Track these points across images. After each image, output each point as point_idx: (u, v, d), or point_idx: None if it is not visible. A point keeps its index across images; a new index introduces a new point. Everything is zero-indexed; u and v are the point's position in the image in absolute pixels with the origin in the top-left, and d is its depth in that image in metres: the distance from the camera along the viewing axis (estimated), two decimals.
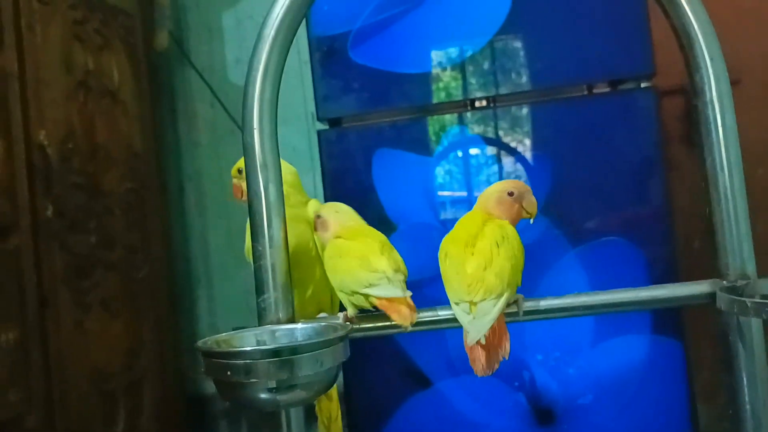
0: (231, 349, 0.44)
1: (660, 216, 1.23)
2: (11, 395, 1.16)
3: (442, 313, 0.58)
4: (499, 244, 0.57)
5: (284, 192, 0.53)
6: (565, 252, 1.22)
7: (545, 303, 0.56)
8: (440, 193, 1.27)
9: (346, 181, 1.29)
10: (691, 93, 0.53)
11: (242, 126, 0.51)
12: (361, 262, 0.56)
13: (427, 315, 0.58)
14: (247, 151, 0.51)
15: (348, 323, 0.54)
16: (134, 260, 1.61)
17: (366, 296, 0.55)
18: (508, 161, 1.27)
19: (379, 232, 0.62)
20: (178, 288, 1.90)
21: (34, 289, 1.23)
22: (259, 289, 0.51)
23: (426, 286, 1.24)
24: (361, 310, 0.59)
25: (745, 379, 0.51)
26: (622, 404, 1.21)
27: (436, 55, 1.27)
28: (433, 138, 1.28)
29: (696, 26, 0.53)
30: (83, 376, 1.35)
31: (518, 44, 1.27)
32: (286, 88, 1.56)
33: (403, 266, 0.59)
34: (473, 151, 1.27)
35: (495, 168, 1.26)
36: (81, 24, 1.45)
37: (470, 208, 1.28)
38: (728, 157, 0.51)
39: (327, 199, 1.30)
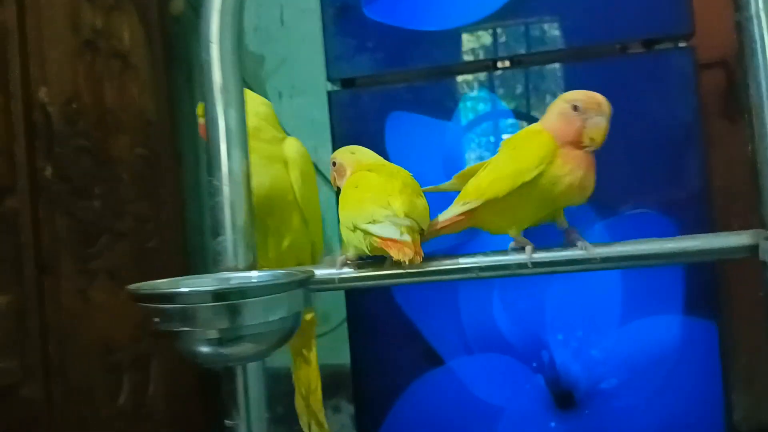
0: (163, 291, 0.37)
1: (697, 191, 1.13)
2: (4, 362, 1.12)
3: (448, 263, 0.49)
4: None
5: (255, 124, 0.46)
6: (593, 224, 1.13)
7: (557, 254, 0.47)
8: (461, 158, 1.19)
9: (358, 145, 1.22)
10: (733, 7, 0.44)
11: (199, 39, 0.44)
12: (373, 196, 0.49)
13: (432, 265, 0.49)
14: (204, 71, 0.43)
15: (311, 270, 0.47)
16: (144, 229, 1.56)
17: (365, 234, 0.48)
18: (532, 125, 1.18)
19: (407, 172, 0.56)
20: (191, 260, 1.85)
21: (32, 253, 1.18)
22: (215, 229, 0.43)
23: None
24: (361, 258, 0.52)
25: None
26: (649, 390, 1.11)
27: (455, 12, 1.19)
28: (452, 101, 1.19)
29: None
30: (85, 346, 1.30)
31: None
32: (304, 54, 1.48)
33: (417, 213, 0.51)
34: (495, 114, 1.18)
35: (517, 132, 1.17)
36: None
37: None
38: None
39: None
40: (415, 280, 0.46)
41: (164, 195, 1.62)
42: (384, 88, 1.22)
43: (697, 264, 1.00)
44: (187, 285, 0.40)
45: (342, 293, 1.26)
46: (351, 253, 0.49)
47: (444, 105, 1.19)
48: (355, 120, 1.23)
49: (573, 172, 0.49)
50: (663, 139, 1.15)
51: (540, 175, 0.49)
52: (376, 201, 0.50)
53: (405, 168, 1.19)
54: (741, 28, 0.44)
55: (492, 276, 0.46)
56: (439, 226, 0.56)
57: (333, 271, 0.45)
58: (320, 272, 0.43)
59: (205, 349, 0.37)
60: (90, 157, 1.34)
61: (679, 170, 1.13)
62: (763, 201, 0.43)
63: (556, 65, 1.17)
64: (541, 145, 0.49)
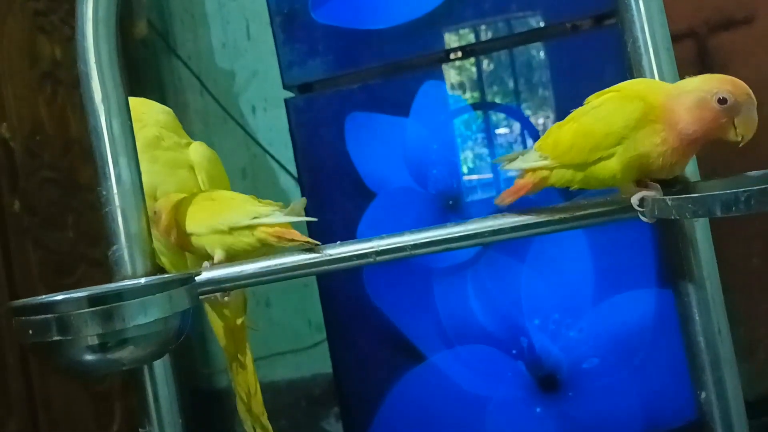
0: (38, 301, 0.37)
1: None
2: None
3: (344, 250, 0.48)
4: None
5: (155, 133, 0.46)
6: (557, 202, 1.12)
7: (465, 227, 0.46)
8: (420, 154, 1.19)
9: (319, 150, 1.22)
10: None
11: (75, 48, 0.44)
12: (242, 200, 0.49)
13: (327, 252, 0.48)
14: (82, 81, 0.43)
15: (197, 271, 0.46)
16: None
17: (252, 229, 0.48)
18: (491, 113, 1.17)
19: None
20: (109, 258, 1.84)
21: (5, 287, 1.19)
22: (109, 240, 0.43)
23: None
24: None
25: (695, 310, 0.42)
26: (631, 366, 1.10)
27: (403, 7, 1.18)
28: (408, 96, 1.19)
29: None
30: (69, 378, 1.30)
31: None
32: (274, 65, 1.48)
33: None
34: (451, 105, 1.18)
35: (477, 121, 1.17)
36: (44, 15, 1.41)
37: (453, 167, 1.19)
38: (653, 35, 0.41)
39: (300, 172, 1.23)
40: (313, 271, 0.46)
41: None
42: (340, 90, 1.22)
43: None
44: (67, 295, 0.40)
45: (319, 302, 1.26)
46: (219, 256, 0.49)
47: (400, 101, 1.19)
48: (315, 125, 1.23)
49: (663, 156, 0.43)
50: None
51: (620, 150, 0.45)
52: (250, 202, 0.50)
53: (370, 168, 1.20)
54: (625, 29, 0.43)
55: (389, 259, 0.45)
56: (520, 189, 0.54)
57: (226, 269, 0.45)
58: (210, 272, 0.43)
59: (88, 357, 0.37)
60: (57, 187, 1.34)
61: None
62: None
63: (509, 51, 1.17)
64: (627, 125, 0.45)
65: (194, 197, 0.53)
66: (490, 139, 1.17)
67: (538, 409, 1.14)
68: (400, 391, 1.18)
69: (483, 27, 1.18)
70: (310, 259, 0.44)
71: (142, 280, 0.42)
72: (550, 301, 1.13)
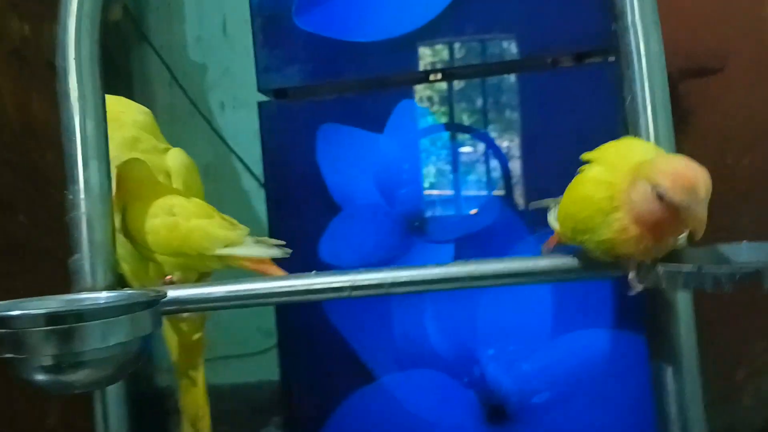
0: None
1: None
2: None
3: (319, 281, 0.47)
4: None
5: (133, 134, 0.44)
6: (522, 238, 1.13)
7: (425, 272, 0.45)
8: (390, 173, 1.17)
9: (288, 158, 1.20)
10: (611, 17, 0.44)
11: (55, 45, 0.41)
12: (208, 221, 0.46)
13: (302, 282, 0.46)
14: (59, 76, 0.41)
15: (162, 290, 0.44)
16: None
17: (221, 259, 0.46)
18: (464, 138, 1.17)
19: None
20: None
21: None
22: (71, 247, 0.41)
23: None
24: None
25: (670, 370, 0.42)
26: (580, 403, 1.11)
27: (388, 24, 1.17)
28: (384, 113, 1.18)
29: None
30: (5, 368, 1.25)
31: (478, 12, 1.17)
32: (247, 65, 1.46)
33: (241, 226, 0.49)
34: (427, 126, 1.17)
35: (449, 145, 1.17)
36: None
37: (422, 189, 1.18)
38: (653, 93, 0.41)
39: (267, 179, 1.21)
40: (285, 300, 0.44)
41: None
42: (316, 99, 1.20)
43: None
44: (23, 308, 0.37)
45: (272, 309, 1.23)
46: (177, 276, 0.47)
47: (375, 117, 1.18)
48: (286, 132, 1.20)
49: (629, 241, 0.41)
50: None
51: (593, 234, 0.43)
52: (214, 225, 0.47)
53: (338, 181, 1.18)
54: (619, 38, 0.43)
55: (365, 295, 0.44)
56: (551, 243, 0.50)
57: (193, 290, 0.42)
58: (177, 292, 0.41)
59: (41, 377, 0.34)
60: (13, 171, 1.29)
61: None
62: None
63: (488, 78, 1.17)
64: (598, 210, 0.43)
65: (154, 202, 0.50)
66: (461, 164, 1.17)
67: None
68: (347, 409, 1.16)
69: (465, 52, 1.17)
70: (283, 287, 0.43)
71: (103, 295, 0.39)
72: (507, 332, 1.13)
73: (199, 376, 0.58)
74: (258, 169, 1.78)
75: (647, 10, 0.41)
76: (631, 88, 0.42)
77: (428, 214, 1.16)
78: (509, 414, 1.12)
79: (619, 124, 1.12)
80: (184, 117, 1.82)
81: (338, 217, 1.16)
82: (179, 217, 0.48)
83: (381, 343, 1.16)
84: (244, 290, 0.42)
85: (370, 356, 1.16)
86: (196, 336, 0.58)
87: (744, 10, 1.75)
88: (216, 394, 1.74)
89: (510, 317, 1.13)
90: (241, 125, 1.82)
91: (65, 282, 1.42)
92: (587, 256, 0.43)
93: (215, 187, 1.69)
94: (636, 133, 0.41)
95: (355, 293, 0.41)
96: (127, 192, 0.50)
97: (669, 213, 0.40)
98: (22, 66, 1.36)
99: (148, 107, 1.93)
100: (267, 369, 1.75)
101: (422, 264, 1.15)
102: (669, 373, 0.39)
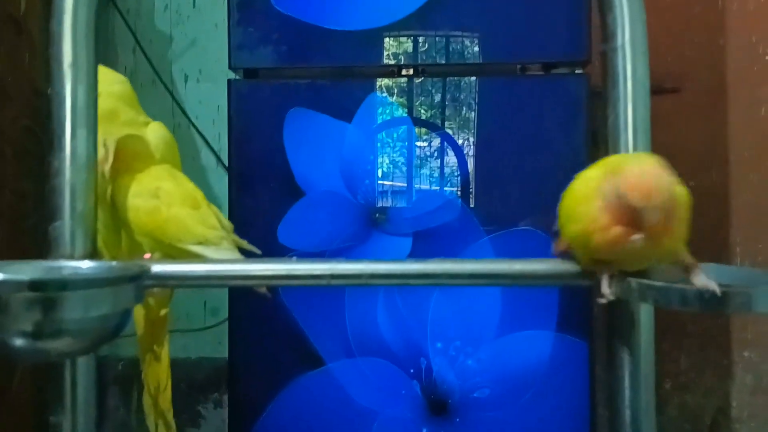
0: None
1: None
2: None
3: (300, 268, 0.47)
4: None
5: (110, 106, 0.43)
6: (478, 238, 1.15)
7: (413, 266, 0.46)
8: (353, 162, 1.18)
9: (254, 138, 1.19)
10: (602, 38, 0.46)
11: (51, 11, 0.41)
12: (188, 211, 0.46)
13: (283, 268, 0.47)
14: (53, 43, 0.41)
15: (146, 265, 0.44)
16: (24, 208, 1.47)
17: (190, 253, 0.46)
18: (430, 135, 1.19)
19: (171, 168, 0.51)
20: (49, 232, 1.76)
21: None
22: (53, 214, 0.41)
23: (330, 258, 1.16)
24: None
25: (627, 381, 0.44)
26: (519, 402, 1.14)
27: (365, 14, 1.18)
28: (354, 103, 1.18)
29: None
30: None
31: (453, 13, 1.18)
32: (214, 39, 1.44)
33: (225, 221, 0.49)
34: (395, 120, 1.19)
35: (415, 141, 1.18)
36: None
37: (383, 179, 1.19)
38: (635, 115, 0.43)
39: (231, 157, 1.21)
40: (266, 282, 0.45)
41: (48, 173, 1.54)
42: (286, 82, 1.20)
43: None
44: (7, 271, 0.37)
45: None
46: (157, 256, 0.47)
47: (346, 106, 1.18)
48: (255, 112, 1.20)
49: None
50: (552, 160, 1.18)
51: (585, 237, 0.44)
52: (195, 218, 0.47)
53: (302, 166, 1.19)
54: (607, 58, 0.45)
55: (343, 284, 0.45)
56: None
57: (176, 266, 0.43)
58: (158, 268, 0.41)
59: (18, 342, 0.34)
60: None
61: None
62: None
63: (459, 78, 1.19)
64: (578, 199, 0.45)
65: (143, 179, 0.50)
66: (425, 160, 1.19)
67: (424, 430, 1.16)
68: (292, 392, 1.17)
69: (438, 50, 1.19)
70: (264, 270, 0.43)
71: (84, 264, 0.39)
72: (456, 328, 1.15)
73: (163, 350, 0.59)
74: (217, 144, 1.77)
75: (637, 35, 0.43)
76: (614, 108, 0.44)
77: (389, 206, 1.17)
78: (450, 407, 1.15)
79: (584, 135, 1.16)
80: (146, 85, 1.78)
81: (300, 202, 1.17)
82: (161, 202, 0.48)
83: (332, 328, 1.17)
84: (226, 270, 0.42)
85: (319, 341, 1.17)
86: (163, 311, 0.58)
87: (703, 36, 1.82)
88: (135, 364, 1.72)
89: (459, 314, 1.15)
90: (204, 99, 1.80)
91: (15, 242, 1.38)
92: (558, 263, 0.45)
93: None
94: (615, 150, 0.43)
95: (333, 282, 0.42)
96: (122, 164, 0.49)
97: (627, 211, 0.42)
98: None
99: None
100: (209, 346, 1.75)
101: (380, 256, 1.16)
102: (626, 380, 0.42)
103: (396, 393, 1.16)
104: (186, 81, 1.81)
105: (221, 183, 1.64)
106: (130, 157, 0.51)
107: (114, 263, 0.40)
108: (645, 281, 0.37)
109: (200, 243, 0.47)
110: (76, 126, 0.41)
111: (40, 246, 1.44)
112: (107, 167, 0.48)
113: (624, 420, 0.42)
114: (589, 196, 0.44)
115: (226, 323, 1.64)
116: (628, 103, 0.43)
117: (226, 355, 1.28)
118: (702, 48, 1.82)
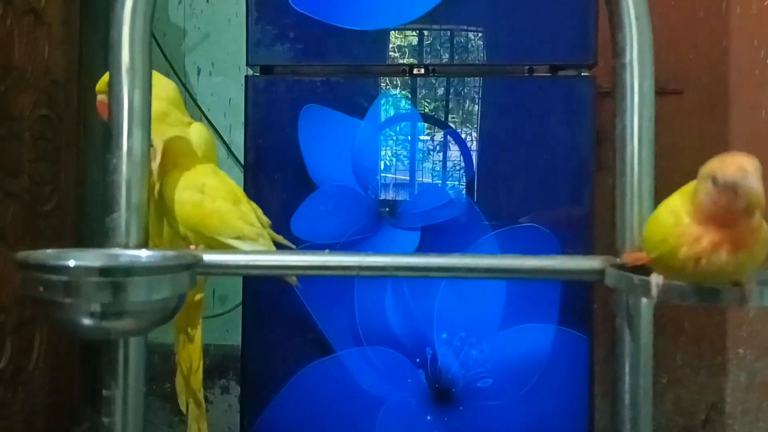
0: (50, 263, 0.38)
1: (582, 211, 1.21)
2: None
3: (332, 260, 0.51)
4: None
5: (163, 109, 0.47)
6: (484, 234, 1.19)
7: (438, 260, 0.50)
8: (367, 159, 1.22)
9: (270, 133, 1.23)
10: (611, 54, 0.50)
11: (111, 19, 0.45)
12: (230, 207, 0.51)
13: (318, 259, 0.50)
14: (113, 50, 0.45)
15: (199, 254, 0.48)
16: (41, 192, 1.51)
17: (229, 246, 0.50)
18: (439, 133, 1.23)
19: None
20: (87, 227, 1.80)
21: None
22: (110, 206, 0.45)
23: (341, 250, 1.20)
24: None
25: (627, 365, 0.48)
26: (520, 392, 1.19)
27: (378, 15, 1.22)
28: (367, 100, 1.22)
29: None
30: None
31: (464, 15, 1.22)
32: (227, 33, 1.48)
33: (263, 217, 0.54)
34: (406, 117, 1.23)
35: (426, 138, 1.22)
36: None
37: (396, 177, 1.23)
38: (640, 126, 0.47)
39: (247, 150, 1.24)
40: (307, 273, 0.49)
41: (66, 159, 1.58)
42: (302, 79, 1.24)
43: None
44: (75, 258, 0.41)
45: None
46: (201, 248, 0.51)
47: (358, 103, 1.22)
48: (270, 107, 1.24)
49: (696, 250, 0.42)
50: (559, 159, 1.22)
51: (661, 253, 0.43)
52: (235, 213, 0.51)
53: (316, 160, 1.23)
54: (616, 73, 0.49)
55: (371, 275, 0.49)
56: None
57: (224, 256, 0.47)
58: (209, 257, 0.45)
59: (86, 321, 0.38)
60: None
61: (568, 190, 1.21)
62: (618, 230, 0.48)
63: (469, 78, 1.23)
64: (661, 225, 0.44)
65: (189, 175, 0.54)
66: (436, 157, 1.23)
67: (429, 417, 1.20)
68: (302, 379, 1.22)
69: (449, 51, 1.23)
70: (302, 261, 0.47)
71: (143, 253, 0.44)
72: (461, 319, 1.20)
73: (197, 333, 0.63)
74: (228, 136, 1.80)
75: (645, 53, 0.47)
76: (622, 119, 0.48)
77: (398, 201, 1.21)
78: (454, 396, 1.20)
79: (589, 135, 1.20)
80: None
81: (313, 195, 1.21)
82: (206, 196, 0.52)
83: (341, 318, 1.21)
84: (268, 260, 0.46)
85: (330, 330, 1.21)
86: (198, 296, 0.62)
87: (706, 39, 1.85)
88: (163, 353, 1.77)
89: (465, 306, 1.19)
90: (216, 92, 1.83)
91: (29, 224, 1.41)
92: (566, 259, 0.49)
93: None
94: (621, 158, 0.47)
95: (362, 273, 0.46)
96: (170, 162, 0.54)
97: (726, 195, 0.42)
98: (6, 10, 1.35)
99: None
100: (218, 333, 1.79)
101: (388, 252, 1.20)
102: (626, 369, 0.46)
103: (402, 381, 1.20)
104: (198, 74, 1.85)
105: (231, 174, 1.67)
106: (178, 155, 0.55)
107: (168, 252, 0.44)
108: (646, 277, 0.41)
109: (238, 237, 0.51)
110: (132, 127, 0.45)
111: (58, 230, 1.48)
112: (155, 164, 0.52)
113: (624, 404, 0.46)
114: (677, 213, 0.44)
115: (234, 311, 1.69)
116: (635, 114, 0.47)
117: (233, 342, 1.32)
118: (705, 51, 1.86)
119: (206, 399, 1.83)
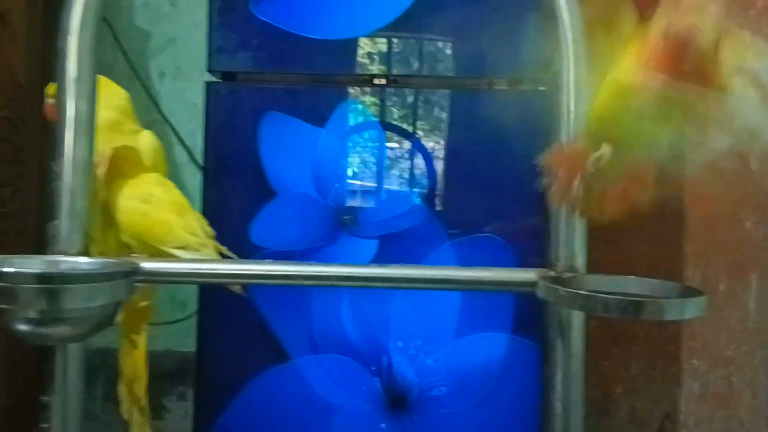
0: None
1: (538, 222, 1.23)
2: None
3: (275, 269, 0.52)
4: None
5: (116, 118, 0.48)
6: (441, 243, 1.21)
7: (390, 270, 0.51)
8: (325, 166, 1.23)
9: (230, 139, 1.24)
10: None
11: (59, 29, 0.45)
12: (175, 218, 0.51)
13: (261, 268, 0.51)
14: (59, 60, 0.45)
15: (137, 262, 0.49)
16: (2, 194, 1.50)
17: (172, 256, 0.51)
18: (399, 143, 1.24)
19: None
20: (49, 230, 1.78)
21: None
22: (52, 213, 0.45)
23: (298, 258, 1.21)
24: None
25: (559, 374, 0.50)
26: (475, 401, 1.21)
27: (340, 25, 1.23)
28: (328, 109, 1.23)
29: (563, 7, 0.51)
30: None
31: (426, 27, 1.24)
32: (192, 38, 1.48)
33: (208, 228, 0.55)
34: (366, 127, 1.24)
35: (384, 148, 1.24)
36: None
37: (355, 186, 1.25)
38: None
39: (207, 156, 1.25)
40: (249, 282, 0.50)
41: (28, 160, 1.56)
42: (264, 87, 1.25)
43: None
44: (16, 264, 0.42)
45: None
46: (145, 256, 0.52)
47: (320, 112, 1.23)
48: (231, 114, 1.24)
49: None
50: (516, 171, 1.24)
51: None
52: (180, 223, 0.52)
53: (276, 168, 1.23)
54: (552, 94, 0.51)
55: (314, 284, 0.50)
56: None
57: (162, 264, 0.47)
58: (147, 265, 0.46)
59: (23, 327, 0.39)
60: None
61: (525, 202, 1.23)
62: (552, 245, 0.50)
63: (430, 89, 1.24)
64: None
65: (135, 184, 0.55)
66: (394, 167, 1.24)
67: (383, 425, 1.21)
68: (258, 386, 1.22)
69: (410, 62, 1.24)
70: (244, 270, 0.48)
71: (83, 260, 0.44)
72: (416, 328, 1.21)
73: (141, 340, 0.63)
74: (191, 141, 1.80)
75: (581, 73, 0.49)
76: (557, 137, 0.50)
77: (357, 210, 1.22)
78: (409, 403, 1.21)
79: (545, 148, 1.22)
80: (122, 81, 1.77)
81: (272, 203, 1.21)
82: (152, 207, 0.53)
83: (298, 325, 1.22)
84: (208, 269, 0.47)
85: (286, 337, 1.22)
86: (144, 303, 0.62)
87: None
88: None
89: (421, 314, 1.21)
90: (180, 96, 1.83)
91: None
92: (505, 271, 0.50)
93: None
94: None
95: (305, 282, 0.47)
96: (117, 171, 0.54)
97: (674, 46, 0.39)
98: None
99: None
100: (176, 339, 1.78)
101: (345, 260, 1.21)
102: (558, 377, 0.47)
103: (358, 388, 1.21)
104: (162, 78, 1.84)
105: (194, 179, 1.67)
106: (125, 164, 0.55)
107: (108, 260, 0.45)
108: (573, 290, 0.43)
109: (182, 247, 0.51)
110: (77, 135, 0.45)
111: (20, 232, 1.46)
112: (101, 172, 0.53)
113: (556, 413, 0.48)
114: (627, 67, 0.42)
115: (194, 317, 1.68)
116: (570, 133, 0.49)
117: (192, 348, 1.32)
118: None
119: (163, 406, 1.83)
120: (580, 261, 0.49)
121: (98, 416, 1.80)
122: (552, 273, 0.49)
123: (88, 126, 0.46)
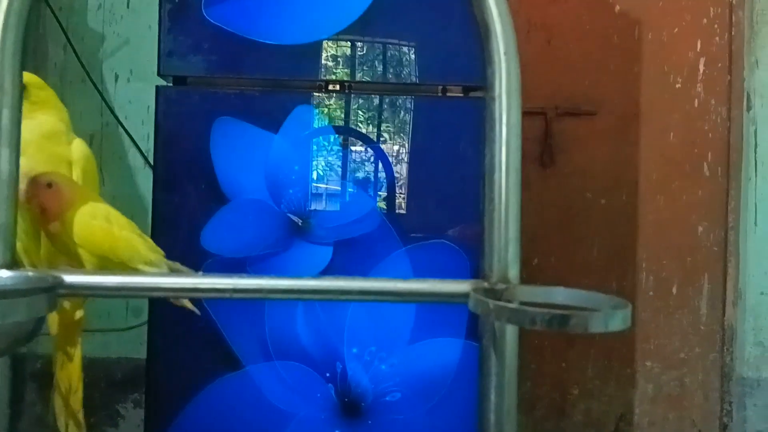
0: None
1: None
2: None
3: (205, 282, 0.51)
4: None
5: (58, 129, 0.47)
6: (395, 249, 1.21)
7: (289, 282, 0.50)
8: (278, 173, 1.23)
9: (181, 144, 1.22)
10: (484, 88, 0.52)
11: None
12: (136, 235, 0.51)
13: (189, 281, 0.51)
14: None
15: (59, 275, 0.48)
16: None
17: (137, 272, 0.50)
18: (353, 149, 1.24)
19: None
20: None
21: None
22: None
23: (252, 264, 1.20)
24: None
25: (493, 385, 0.50)
26: (428, 406, 1.21)
27: (294, 30, 1.22)
28: (281, 114, 1.23)
29: (496, 20, 0.51)
30: None
31: (380, 34, 1.24)
32: (147, 41, 1.45)
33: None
34: (320, 132, 1.23)
35: (339, 154, 1.23)
36: None
37: (309, 192, 1.24)
38: (507, 156, 0.50)
39: (157, 161, 1.23)
40: (176, 295, 0.49)
41: None
42: (216, 91, 1.24)
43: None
44: None
45: None
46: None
47: (273, 117, 1.22)
48: (182, 119, 1.23)
49: None
50: (469, 177, 1.25)
51: None
52: (139, 241, 0.53)
53: (228, 173, 1.22)
54: (486, 105, 0.51)
55: (245, 297, 0.49)
56: None
57: (88, 277, 0.46)
58: (71, 278, 0.45)
59: None
60: None
61: (477, 208, 1.23)
62: (485, 256, 0.50)
63: (383, 96, 1.25)
64: None
65: (94, 206, 0.55)
66: (348, 172, 1.24)
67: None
68: (210, 394, 1.20)
69: (365, 68, 1.24)
70: (172, 284, 0.47)
71: (3, 274, 0.43)
72: (371, 334, 1.21)
73: (76, 351, 0.62)
74: (145, 144, 1.77)
75: (513, 86, 0.50)
76: (491, 149, 0.50)
77: (311, 216, 1.22)
78: (363, 410, 1.21)
79: None
80: (75, 83, 1.78)
81: (224, 208, 1.20)
82: (114, 226, 0.53)
83: (251, 332, 1.20)
84: (136, 283, 0.46)
85: (239, 345, 1.20)
86: (77, 314, 0.61)
87: (620, 63, 1.94)
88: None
89: (375, 321, 1.21)
90: (134, 99, 1.80)
91: None
92: (436, 283, 0.51)
93: (98, 157, 1.65)
94: (490, 185, 0.50)
95: (235, 296, 0.46)
96: (70, 196, 0.54)
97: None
98: None
99: (39, 67, 1.85)
100: (130, 346, 1.75)
101: (299, 267, 1.20)
102: (492, 387, 0.48)
103: (312, 396, 1.21)
104: (116, 80, 1.81)
105: (148, 183, 1.65)
106: (74, 191, 0.56)
107: (30, 273, 0.44)
108: (502, 303, 0.44)
109: (147, 264, 0.51)
110: (0, 146, 0.44)
111: None
112: (22, 186, 0.53)
113: (490, 423, 0.48)
114: None
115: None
116: (503, 144, 0.50)
117: (146, 355, 1.30)
118: (618, 75, 1.94)
119: (117, 413, 1.80)
120: (513, 272, 0.50)
121: (50, 424, 1.77)
122: (485, 284, 0.49)
123: (11, 137, 0.45)
